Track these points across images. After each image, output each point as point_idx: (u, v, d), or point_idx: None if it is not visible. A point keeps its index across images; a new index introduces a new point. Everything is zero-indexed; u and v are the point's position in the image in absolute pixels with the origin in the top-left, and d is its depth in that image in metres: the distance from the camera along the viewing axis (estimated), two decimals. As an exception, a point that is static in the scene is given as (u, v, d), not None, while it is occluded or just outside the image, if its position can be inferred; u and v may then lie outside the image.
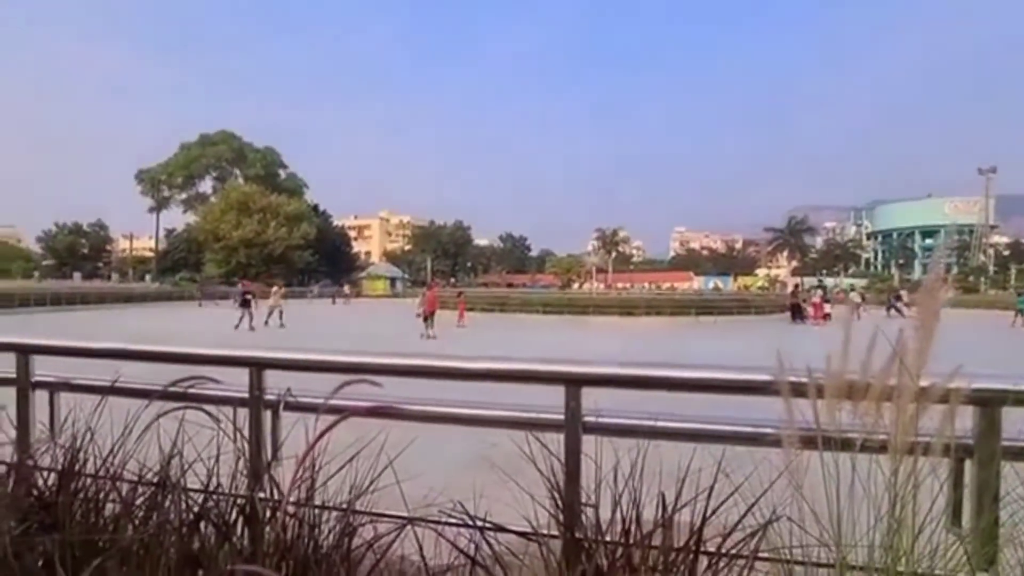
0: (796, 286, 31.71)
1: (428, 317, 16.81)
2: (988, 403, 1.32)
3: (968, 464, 1.37)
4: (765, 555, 1.24)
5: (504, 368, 1.67)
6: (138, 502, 1.57)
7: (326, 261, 65.44)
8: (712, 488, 1.26)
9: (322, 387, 1.71)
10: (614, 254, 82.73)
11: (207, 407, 1.68)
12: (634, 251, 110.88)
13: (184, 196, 68.71)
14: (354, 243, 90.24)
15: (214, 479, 1.58)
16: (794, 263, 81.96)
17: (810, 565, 1.19)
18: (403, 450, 1.61)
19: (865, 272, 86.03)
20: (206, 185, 69.05)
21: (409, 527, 1.45)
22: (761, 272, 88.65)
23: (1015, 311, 24.77)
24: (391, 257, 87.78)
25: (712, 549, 1.27)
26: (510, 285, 69.74)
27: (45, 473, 1.63)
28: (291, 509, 1.49)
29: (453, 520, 1.44)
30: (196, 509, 1.55)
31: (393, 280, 66.05)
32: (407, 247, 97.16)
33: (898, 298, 29.38)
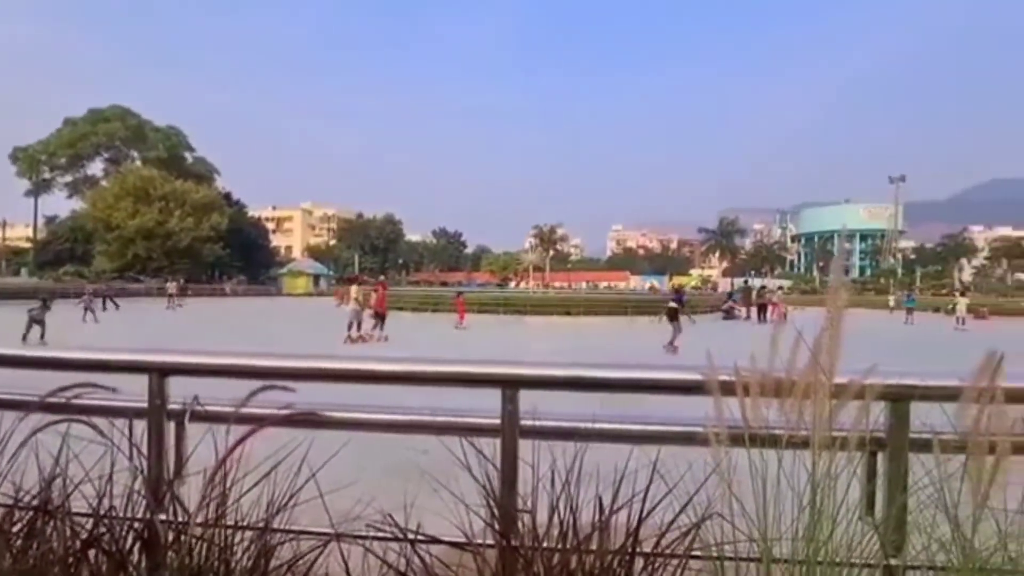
0: (764, 287, 34.83)
1: (381, 317, 16.37)
2: (898, 398, 1.47)
3: (880, 456, 1.51)
4: (698, 553, 1.31)
5: (435, 371, 1.65)
6: (14, 529, 1.42)
7: (240, 256, 61.86)
8: (648, 489, 1.32)
9: (233, 395, 1.61)
10: (552, 252, 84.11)
11: (96, 419, 1.54)
12: (572, 249, 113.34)
13: (69, 179, 62.53)
14: (273, 236, 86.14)
15: (106, 501, 1.46)
16: (725, 264, 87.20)
17: (738, 560, 1.27)
18: (327, 461, 1.56)
19: (789, 274, 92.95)
20: (96, 167, 63.27)
21: (334, 543, 1.40)
22: (695, 272, 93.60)
23: (906, 310, 29.59)
24: (315, 252, 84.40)
25: (648, 550, 1.32)
26: (444, 283, 69.21)
27: None
28: (198, 531, 1.40)
29: (382, 534, 1.40)
30: (84, 536, 1.42)
31: (317, 277, 63.55)
32: (332, 242, 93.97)
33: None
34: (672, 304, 15.27)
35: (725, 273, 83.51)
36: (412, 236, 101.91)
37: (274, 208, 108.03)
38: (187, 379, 1.71)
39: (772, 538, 1.23)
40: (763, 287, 34.33)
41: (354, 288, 18.08)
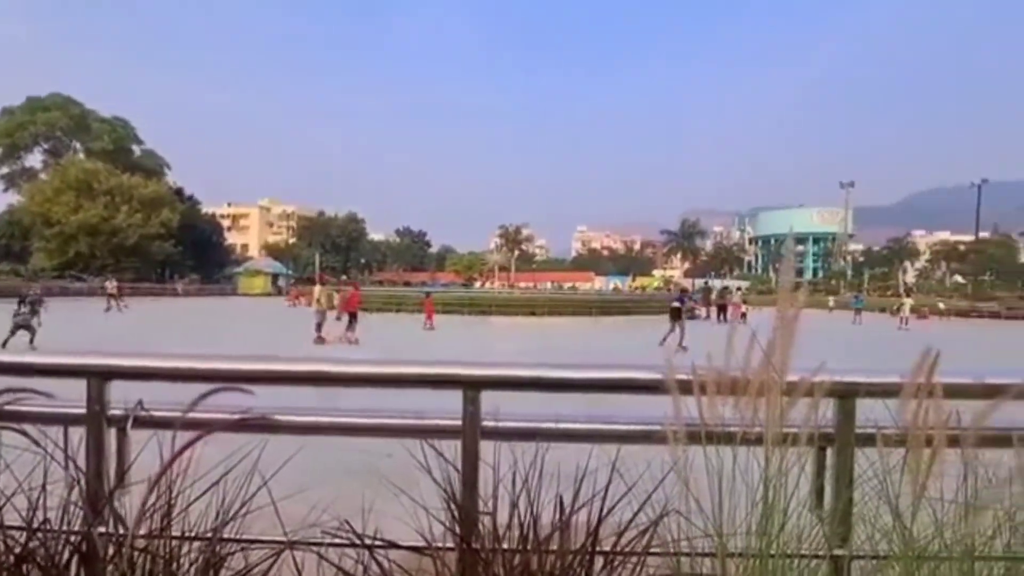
0: (726, 288, 36.14)
1: (351, 318, 15.90)
2: (845, 395, 1.53)
3: (829, 451, 1.57)
4: (656, 550, 1.33)
5: (394, 372, 1.62)
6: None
7: (193, 254, 59.50)
8: (607, 488, 1.33)
9: (186, 399, 1.55)
10: (517, 253, 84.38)
11: (28, 427, 1.45)
12: (537, 250, 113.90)
13: (5, 171, 58.88)
14: (228, 234, 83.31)
15: (40, 513, 1.38)
16: (686, 265, 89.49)
17: (694, 556, 1.30)
18: (281, 467, 1.51)
19: (747, 275, 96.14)
20: (35, 159, 59.77)
21: (287, 552, 1.37)
22: (657, 273, 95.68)
23: (854, 311, 31.27)
24: (273, 251, 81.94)
25: (607, 548, 1.34)
26: (407, 283, 68.49)
27: None
28: (141, 543, 1.34)
29: (338, 540, 1.37)
30: (17, 550, 1.34)
31: (275, 277, 61.73)
32: (291, 240, 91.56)
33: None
34: (675, 304, 15.74)
35: (686, 274, 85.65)
36: (375, 235, 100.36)
37: (229, 205, 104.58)
38: (131, 384, 1.63)
39: (727, 533, 1.26)
40: (725, 288, 35.70)
41: (317, 288, 17.67)
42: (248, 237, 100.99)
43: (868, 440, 1.48)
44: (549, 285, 72.64)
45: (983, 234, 72.18)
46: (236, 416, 1.53)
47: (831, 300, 43.66)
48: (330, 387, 1.63)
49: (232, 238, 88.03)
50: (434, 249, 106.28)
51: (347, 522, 1.40)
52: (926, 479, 1.22)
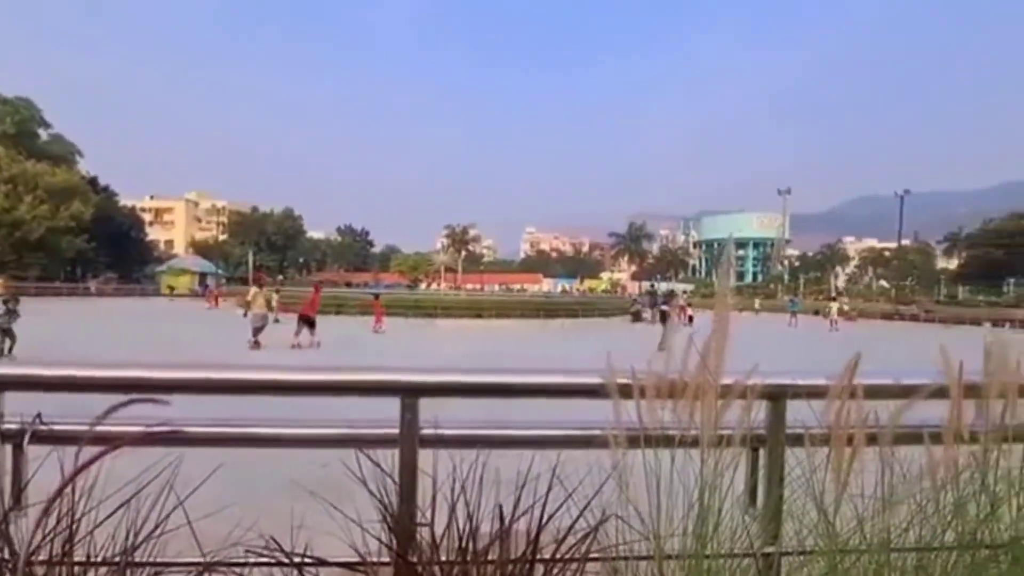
0: (671, 292, 37.47)
1: (311, 322, 14.95)
2: (776, 397, 1.61)
3: (762, 452, 1.65)
4: (596, 555, 1.36)
5: (326, 380, 1.57)
6: None
7: (109, 250, 55.65)
8: (548, 494, 1.34)
9: (95, 411, 1.44)
10: (464, 253, 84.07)
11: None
12: (485, 251, 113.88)
13: None
14: (151, 229, 78.58)
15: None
16: (634, 267, 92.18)
17: (632, 559, 1.33)
18: (203, 482, 1.44)
19: (692, 278, 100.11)
20: (-77, 141, 54.10)
21: (206, 574, 1.30)
22: (605, 275, 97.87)
23: (790, 313, 33.99)
24: (201, 248, 77.84)
25: (547, 556, 1.35)
26: (349, 284, 66.74)
27: None
28: (40, 570, 1.24)
29: (263, 559, 1.32)
30: None
31: (203, 276, 58.63)
32: (222, 237, 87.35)
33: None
34: (663, 308, 18.40)
35: (634, 276, 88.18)
36: (314, 233, 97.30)
37: (152, 198, 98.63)
38: (30, 395, 1.50)
39: (664, 535, 1.30)
40: (671, 291, 37.04)
41: (252, 290, 16.79)
42: (173, 233, 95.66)
43: (798, 440, 1.56)
44: (497, 287, 72.76)
45: (905, 242, 78.25)
46: (151, 429, 1.44)
47: (756, 302, 47.43)
48: (255, 396, 1.56)
49: (155, 233, 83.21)
50: (378, 249, 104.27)
51: (273, 539, 1.34)
52: (847, 476, 1.30)
